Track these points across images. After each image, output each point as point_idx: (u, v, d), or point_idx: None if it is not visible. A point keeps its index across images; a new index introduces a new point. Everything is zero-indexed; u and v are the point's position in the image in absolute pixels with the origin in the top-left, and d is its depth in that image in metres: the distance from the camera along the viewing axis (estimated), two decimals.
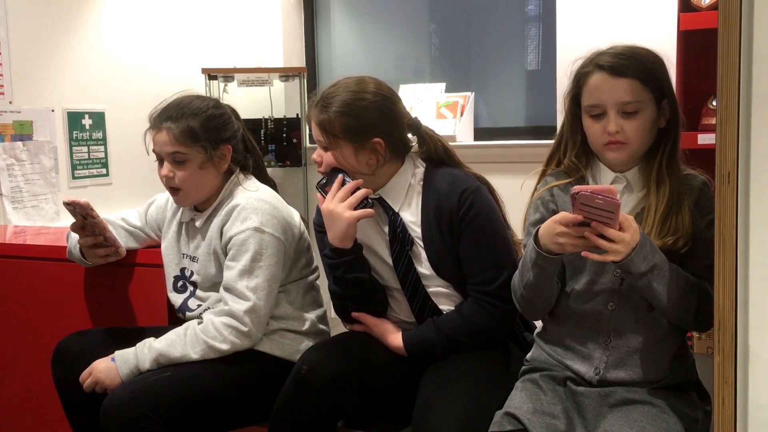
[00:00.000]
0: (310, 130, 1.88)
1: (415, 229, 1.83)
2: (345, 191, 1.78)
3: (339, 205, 1.77)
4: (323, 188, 1.83)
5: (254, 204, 1.92)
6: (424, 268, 1.83)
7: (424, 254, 1.82)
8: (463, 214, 1.77)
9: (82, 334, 2.03)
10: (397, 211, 1.84)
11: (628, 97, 1.54)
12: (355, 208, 1.77)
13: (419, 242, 1.83)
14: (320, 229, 1.90)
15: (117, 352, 1.87)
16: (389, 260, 1.85)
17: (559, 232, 1.46)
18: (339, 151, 1.79)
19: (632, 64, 1.54)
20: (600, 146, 1.60)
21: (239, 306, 1.86)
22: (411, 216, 1.84)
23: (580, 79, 1.60)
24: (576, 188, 1.41)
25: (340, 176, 1.80)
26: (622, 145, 1.56)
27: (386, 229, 1.85)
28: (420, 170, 1.87)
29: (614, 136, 1.55)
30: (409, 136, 1.90)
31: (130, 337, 1.93)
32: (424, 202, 1.83)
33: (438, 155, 1.89)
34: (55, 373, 1.96)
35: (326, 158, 1.81)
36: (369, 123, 1.77)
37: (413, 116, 1.90)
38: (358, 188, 1.79)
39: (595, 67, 1.57)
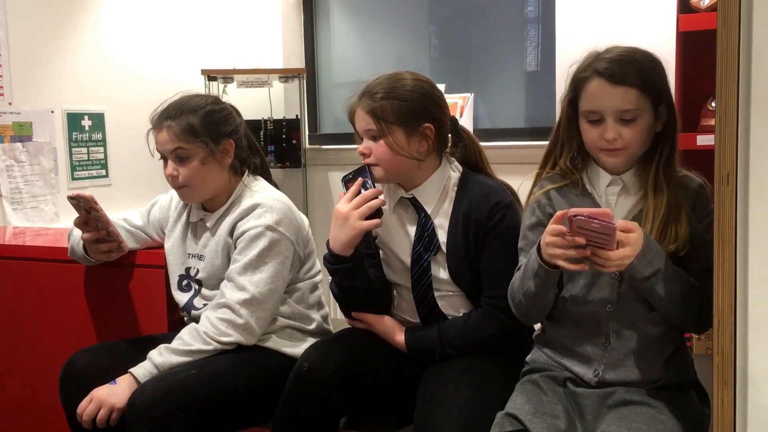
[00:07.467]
0: (353, 127, 1.85)
1: (441, 234, 1.83)
2: (363, 198, 1.77)
3: (353, 213, 1.76)
4: (347, 183, 1.81)
5: (270, 203, 1.94)
6: (441, 272, 1.83)
7: (444, 260, 1.82)
8: (492, 225, 1.77)
9: (88, 352, 1.99)
10: (429, 213, 1.84)
11: (626, 105, 1.53)
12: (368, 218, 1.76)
13: (443, 248, 1.82)
14: None
15: (130, 369, 1.84)
16: (407, 260, 1.86)
17: (549, 242, 1.47)
18: (391, 137, 1.77)
19: (630, 71, 1.53)
20: (597, 151, 1.60)
21: (235, 296, 1.86)
22: (440, 220, 1.84)
23: (578, 84, 1.59)
24: (573, 211, 1.41)
25: (360, 179, 1.79)
26: (620, 150, 1.57)
27: (413, 229, 1.86)
28: (456, 175, 1.87)
29: (612, 143, 1.55)
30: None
31: (137, 350, 1.91)
32: (455, 207, 1.83)
33: (474, 156, 1.91)
34: (63, 395, 1.93)
35: (376, 149, 1.79)
36: (417, 107, 1.79)
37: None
38: (376, 195, 1.77)
39: (593, 72, 1.55)
